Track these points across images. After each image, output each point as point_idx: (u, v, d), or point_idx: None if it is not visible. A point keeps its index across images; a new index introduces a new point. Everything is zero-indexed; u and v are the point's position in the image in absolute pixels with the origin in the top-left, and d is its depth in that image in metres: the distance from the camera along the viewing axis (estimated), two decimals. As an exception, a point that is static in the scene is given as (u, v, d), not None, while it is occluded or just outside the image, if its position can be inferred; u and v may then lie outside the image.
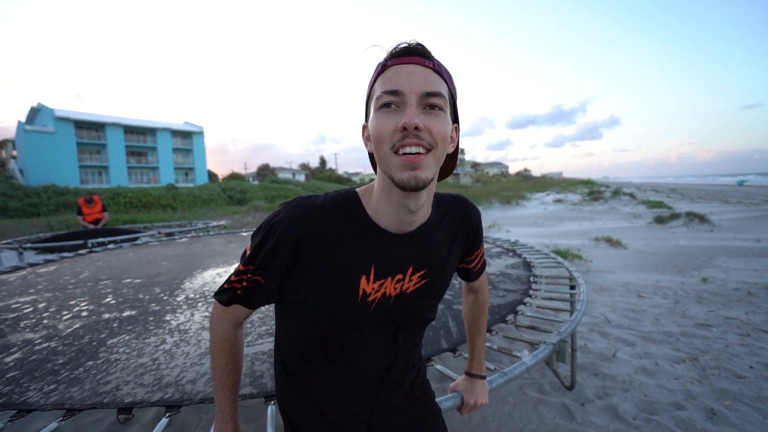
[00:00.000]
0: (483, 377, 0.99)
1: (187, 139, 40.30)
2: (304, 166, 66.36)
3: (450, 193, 0.77)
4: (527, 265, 2.86)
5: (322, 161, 66.27)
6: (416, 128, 0.54)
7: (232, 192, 26.84)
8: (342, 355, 0.68)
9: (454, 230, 0.74)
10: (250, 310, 0.71)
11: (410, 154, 0.55)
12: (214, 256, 3.82)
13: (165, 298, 2.40)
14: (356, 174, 72.50)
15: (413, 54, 0.58)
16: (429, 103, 0.57)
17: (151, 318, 2.03)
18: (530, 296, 2.15)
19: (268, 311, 2.16)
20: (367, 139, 0.65)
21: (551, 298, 2.17)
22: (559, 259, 2.93)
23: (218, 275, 2.99)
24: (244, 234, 5.90)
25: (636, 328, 3.23)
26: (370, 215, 0.65)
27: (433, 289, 0.72)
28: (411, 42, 0.59)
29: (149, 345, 1.67)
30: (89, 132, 33.31)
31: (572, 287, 2.36)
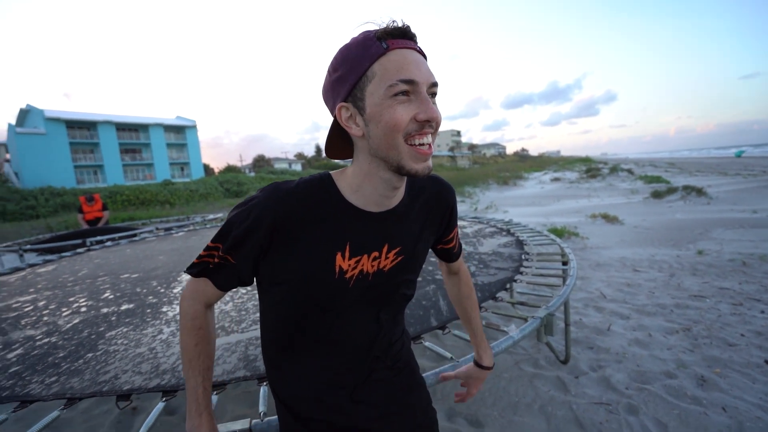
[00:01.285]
0: (491, 368, 0.98)
1: (180, 133, 39.98)
2: (300, 156, 66.04)
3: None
4: (520, 244, 2.89)
5: (318, 150, 65.93)
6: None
7: (229, 185, 26.77)
8: (325, 333, 0.70)
9: (428, 208, 0.76)
10: (220, 292, 0.71)
11: (424, 145, 0.59)
12: (212, 249, 3.84)
13: (162, 290, 2.43)
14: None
15: (408, 37, 0.59)
16: (432, 92, 0.60)
17: (148, 310, 2.06)
18: (521, 273, 2.18)
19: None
20: (348, 120, 0.62)
21: (542, 275, 2.20)
22: (552, 236, 2.95)
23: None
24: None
25: (631, 302, 3.28)
26: (344, 196, 0.66)
27: (410, 266, 0.74)
28: (403, 24, 0.59)
29: (146, 336, 1.70)
30: (81, 131, 33.01)
31: (565, 263, 2.39)
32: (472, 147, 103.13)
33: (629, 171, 19.86)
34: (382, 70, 0.57)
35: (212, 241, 0.67)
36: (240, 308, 2.00)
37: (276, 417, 0.99)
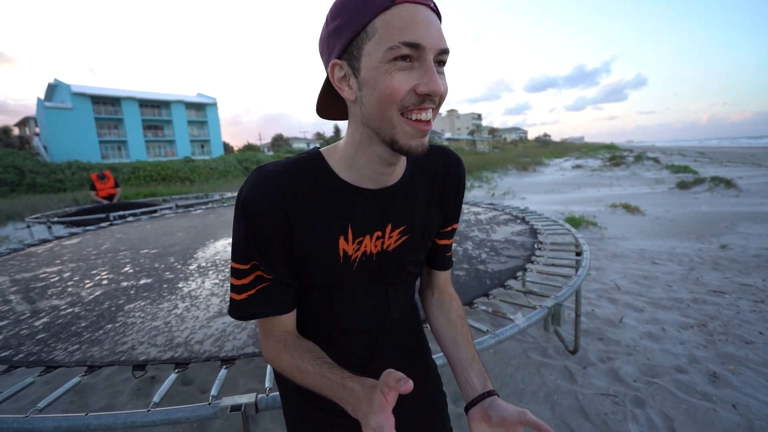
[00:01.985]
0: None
1: (201, 111, 40.43)
2: (319, 135, 65.93)
3: (435, 145, 0.70)
4: (534, 232, 2.85)
5: (337, 129, 65.67)
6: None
7: (247, 163, 27.10)
8: (333, 316, 0.67)
9: (434, 182, 0.69)
10: (287, 317, 0.64)
11: (423, 120, 0.52)
12: (227, 227, 3.93)
13: (178, 266, 2.51)
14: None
15: None
16: (440, 60, 0.52)
17: (165, 285, 2.13)
18: (533, 262, 2.16)
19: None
20: (341, 81, 0.55)
21: (554, 264, 2.17)
22: (567, 226, 2.90)
23: (230, 244, 3.09)
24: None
25: (646, 295, 3.22)
26: (337, 173, 0.61)
27: (416, 245, 0.68)
28: None
29: (162, 310, 1.77)
30: (106, 107, 33.79)
31: (578, 254, 2.35)
32: (492, 131, 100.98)
33: (655, 160, 19.13)
34: (384, 27, 0.49)
35: (234, 260, 0.60)
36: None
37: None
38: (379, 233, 0.63)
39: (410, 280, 0.73)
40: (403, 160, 0.64)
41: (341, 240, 0.61)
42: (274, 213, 0.55)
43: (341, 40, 0.53)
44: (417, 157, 0.66)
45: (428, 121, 0.53)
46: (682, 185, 9.79)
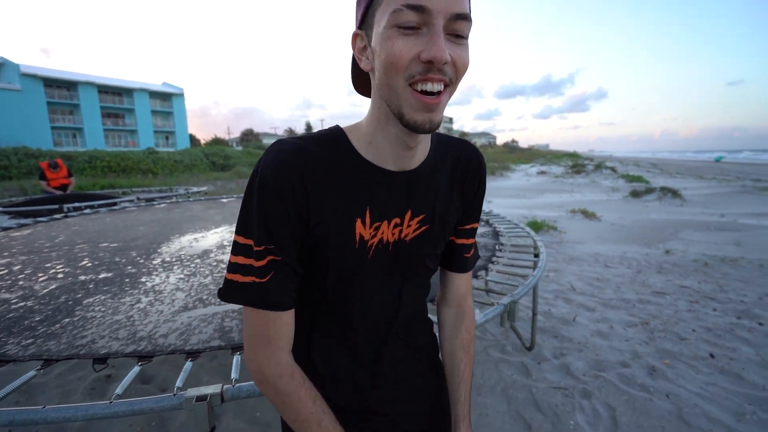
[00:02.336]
0: None
1: (166, 101, 38.76)
2: (290, 132, 64.92)
3: (457, 137, 0.68)
4: (496, 234, 2.98)
5: (308, 127, 64.95)
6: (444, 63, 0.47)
7: (215, 157, 26.22)
8: (345, 310, 0.62)
9: (457, 171, 0.66)
10: (285, 315, 0.57)
11: (429, 93, 0.48)
12: (193, 222, 3.83)
13: (141, 261, 2.44)
14: (343, 142, 71.59)
15: None
16: (455, 28, 0.47)
17: (126, 280, 2.07)
18: (493, 263, 2.28)
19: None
20: (360, 52, 0.54)
21: (513, 265, 2.30)
22: (528, 229, 3.06)
23: (195, 240, 3.02)
24: (225, 200, 5.87)
25: (598, 296, 3.45)
26: (358, 150, 0.57)
27: (434, 237, 0.64)
28: None
29: (124, 304, 1.73)
30: (60, 91, 31.68)
31: (536, 256, 2.50)
32: (462, 135, 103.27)
33: (613, 169, 20.28)
34: None
35: (239, 234, 0.55)
36: (219, 281, 2.03)
37: (247, 383, 1.06)
38: (398, 220, 0.60)
39: (426, 277, 0.69)
40: (425, 144, 0.61)
41: (358, 223, 0.57)
42: (294, 185, 0.52)
43: (360, 9, 0.52)
44: (441, 140, 0.65)
45: (436, 94, 0.48)
46: (635, 194, 10.47)
